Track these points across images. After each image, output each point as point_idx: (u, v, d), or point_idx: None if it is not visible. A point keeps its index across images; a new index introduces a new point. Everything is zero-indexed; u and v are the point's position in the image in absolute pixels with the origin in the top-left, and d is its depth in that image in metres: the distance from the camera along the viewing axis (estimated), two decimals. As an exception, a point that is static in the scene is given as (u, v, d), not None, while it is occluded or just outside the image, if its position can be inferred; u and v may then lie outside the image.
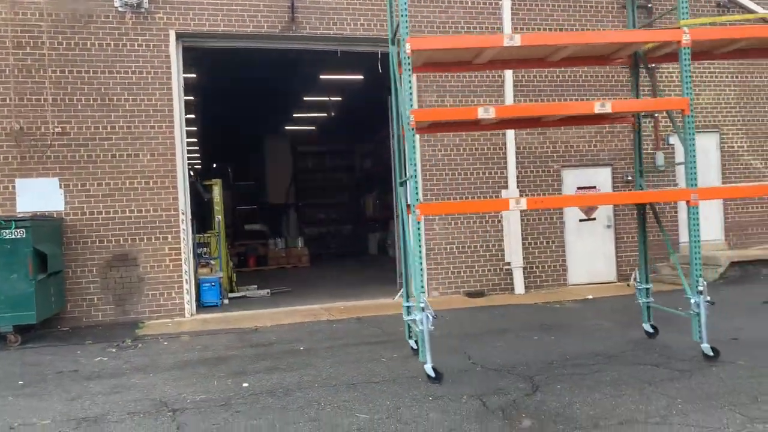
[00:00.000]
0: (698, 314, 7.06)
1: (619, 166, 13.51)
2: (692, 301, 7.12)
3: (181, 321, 10.96)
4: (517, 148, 12.80)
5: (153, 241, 11.18)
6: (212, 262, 13.40)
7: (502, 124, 9.34)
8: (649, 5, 13.65)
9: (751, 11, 13.98)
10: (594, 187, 13.28)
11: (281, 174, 29.79)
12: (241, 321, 10.79)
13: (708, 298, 7.05)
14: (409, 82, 6.78)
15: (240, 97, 20.57)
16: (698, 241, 7.13)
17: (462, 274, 12.55)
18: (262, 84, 20.01)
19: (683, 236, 13.78)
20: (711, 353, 6.88)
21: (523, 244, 12.76)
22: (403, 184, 7.77)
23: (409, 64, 6.72)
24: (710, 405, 5.45)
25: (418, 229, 6.79)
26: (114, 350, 8.80)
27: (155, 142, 11.23)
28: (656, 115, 13.65)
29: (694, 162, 7.10)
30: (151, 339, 9.47)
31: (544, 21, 13.08)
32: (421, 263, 7.02)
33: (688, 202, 7.17)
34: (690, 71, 7.09)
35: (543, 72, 12.93)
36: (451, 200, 12.43)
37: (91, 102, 10.98)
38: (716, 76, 14.07)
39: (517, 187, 12.72)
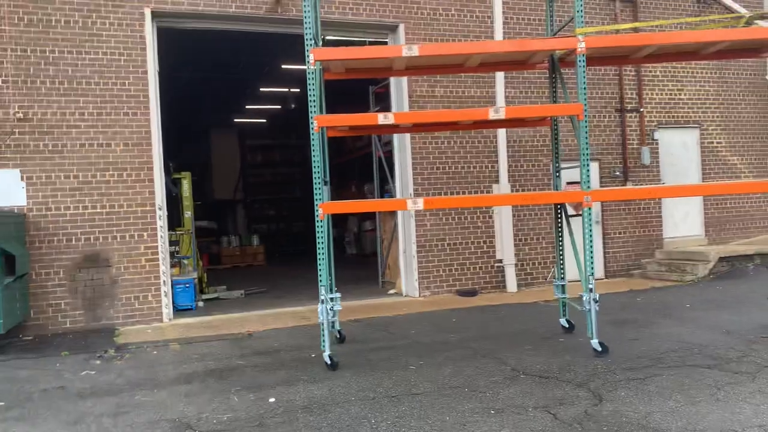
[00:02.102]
0: (589, 311, 7.25)
1: (606, 161, 13.34)
2: (584, 298, 7.30)
3: (161, 327, 10.01)
4: (509, 141, 12.41)
5: (127, 239, 10.17)
6: (185, 261, 12.42)
7: (417, 127, 9.77)
8: (634, -1, 13.54)
9: (731, 9, 14.05)
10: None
11: (228, 168, 28.63)
12: (228, 326, 9.94)
13: (596, 297, 7.23)
14: (320, 88, 7.37)
15: (189, 84, 19.31)
16: (591, 240, 7.36)
17: (453, 271, 12.07)
18: (218, 72, 18.98)
19: (667, 232, 13.82)
20: (599, 348, 7.10)
21: (514, 240, 12.39)
22: (327, 183, 7.98)
23: (313, 72, 7.08)
24: (797, 411, 5.13)
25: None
26: (98, 362, 7.84)
27: (129, 130, 10.21)
28: (641, 110, 13.57)
29: (587, 164, 7.25)
30: (135, 348, 8.52)
31: (533, 11, 12.73)
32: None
33: (581, 203, 7.44)
34: (585, 77, 7.27)
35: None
36: (443, 195, 11.93)
37: (57, 85, 9.88)
38: (698, 72, 14.11)
39: (509, 181, 12.33)
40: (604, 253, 13.28)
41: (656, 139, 13.67)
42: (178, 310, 11.24)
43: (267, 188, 29.69)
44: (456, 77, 12.02)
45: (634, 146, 13.52)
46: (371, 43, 12.29)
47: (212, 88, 20.59)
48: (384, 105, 12.89)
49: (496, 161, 12.36)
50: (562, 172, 8.34)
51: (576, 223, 13.01)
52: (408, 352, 7.71)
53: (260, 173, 29.94)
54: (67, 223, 9.89)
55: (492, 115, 7.47)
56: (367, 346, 8.18)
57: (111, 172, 10.10)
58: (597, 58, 8.59)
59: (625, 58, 8.73)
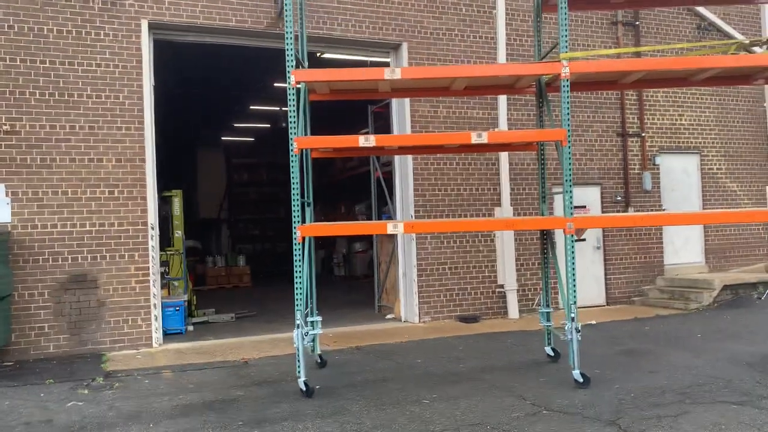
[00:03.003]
0: (571, 340, 7.04)
1: (608, 186, 13.12)
2: (566, 327, 7.09)
3: (150, 352, 9.49)
4: (511, 164, 12.13)
5: (117, 259, 9.67)
6: (175, 283, 11.90)
7: (402, 150, 9.75)
8: (636, 23, 13.43)
9: (728, 35, 14.03)
10: (584, 207, 12.80)
11: (214, 187, 28.14)
12: (222, 352, 9.46)
13: (578, 326, 7.01)
14: (304, 110, 7.49)
15: (176, 99, 18.86)
16: (573, 268, 7.16)
17: (454, 296, 11.70)
18: (207, 89, 18.57)
19: (668, 258, 13.60)
20: (581, 380, 6.89)
21: (516, 265, 12.06)
22: (309, 204, 8.10)
23: (294, 93, 7.06)
24: None
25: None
26: (86, 392, 7.31)
27: (122, 145, 9.77)
28: (643, 134, 13.40)
29: (570, 190, 7.16)
30: (125, 376, 8.01)
31: (536, 33, 12.54)
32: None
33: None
34: (569, 102, 7.15)
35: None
36: (443, 219, 11.61)
37: (47, 97, 9.42)
38: (698, 98, 14.01)
39: (511, 204, 12.04)
40: (606, 279, 13.00)
41: (657, 164, 13.49)
42: (167, 334, 10.70)
43: (252, 207, 29.20)
44: (458, 98, 11.75)
45: (636, 171, 13.33)
46: (373, 63, 12.04)
47: (201, 104, 20.17)
48: (384, 124, 12.58)
49: (498, 184, 12.07)
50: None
51: (578, 249, 12.80)
52: (418, 383, 7.30)
53: (246, 192, 29.46)
54: (54, 242, 9.38)
55: (474, 139, 7.33)
56: (373, 376, 7.75)
57: (102, 189, 9.63)
58: (584, 83, 8.50)
59: (613, 84, 8.56)
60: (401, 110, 11.66)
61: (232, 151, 28.27)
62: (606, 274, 13.00)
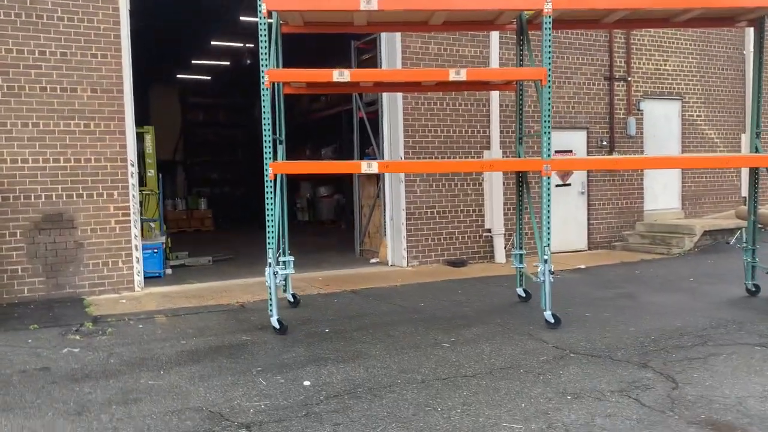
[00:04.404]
0: (544, 282, 7.04)
1: (594, 130, 12.99)
2: (539, 269, 7.06)
3: (135, 296, 8.98)
4: (501, 106, 11.83)
5: (95, 198, 9.02)
6: (152, 224, 11.29)
7: (378, 87, 9.33)
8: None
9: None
10: (570, 151, 12.67)
11: (168, 127, 26.93)
12: (212, 295, 9.03)
13: (551, 268, 7.01)
14: (277, 42, 7.20)
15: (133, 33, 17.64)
16: (549, 211, 7.09)
17: (442, 241, 11.49)
18: (168, 22, 17.41)
19: (648, 204, 13.68)
20: (552, 320, 6.91)
21: (504, 209, 11.89)
22: (282, 142, 7.85)
23: (264, 23, 6.66)
24: None
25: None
26: (78, 337, 6.82)
27: (98, 74, 8.99)
28: (629, 79, 13.26)
29: (549, 132, 6.97)
30: (116, 321, 7.52)
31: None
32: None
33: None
34: (551, 40, 6.90)
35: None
36: (434, 159, 11.28)
37: (13, 18, 8.54)
38: (681, 43, 13.90)
39: (501, 147, 11.79)
40: (588, 224, 13.01)
41: (641, 110, 13.42)
42: (146, 278, 10.15)
43: (209, 150, 28.14)
44: (450, 35, 11.29)
45: (621, 116, 13.23)
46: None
47: (156, 38, 18.94)
48: (371, 61, 12.03)
49: (488, 126, 11.78)
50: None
51: (560, 194, 12.74)
52: (429, 327, 7.08)
53: (203, 133, 28.33)
54: (25, 178, 8.66)
55: (453, 76, 7.08)
56: (380, 320, 7.50)
57: (77, 121, 8.89)
58: (567, 21, 8.23)
59: (596, 22, 8.36)
60: (392, 46, 11.13)
61: (189, 89, 27.02)
62: (589, 219, 13.00)
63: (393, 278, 10.15)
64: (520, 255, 8.26)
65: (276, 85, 7.84)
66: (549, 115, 6.98)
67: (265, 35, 6.71)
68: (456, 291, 9.13)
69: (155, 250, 10.62)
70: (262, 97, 6.61)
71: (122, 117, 9.13)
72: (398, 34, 10.91)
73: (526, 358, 5.90)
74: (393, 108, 11.24)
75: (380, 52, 11.45)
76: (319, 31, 8.29)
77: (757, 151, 8.27)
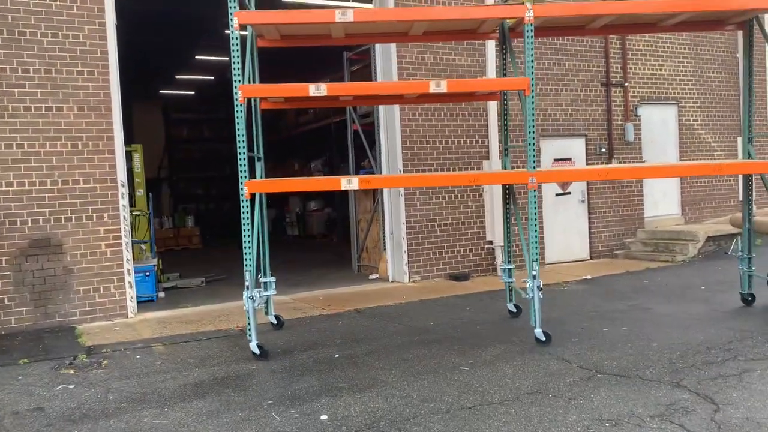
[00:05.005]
0: (533, 298, 6.78)
1: (592, 137, 12.79)
2: (527, 285, 6.82)
3: (128, 323, 8.56)
4: (499, 114, 11.52)
5: (84, 221, 8.61)
6: (143, 246, 10.87)
7: (358, 100, 9.27)
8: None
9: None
10: (569, 159, 12.46)
11: (152, 143, 26.46)
12: (210, 320, 8.63)
13: (540, 284, 6.74)
14: (252, 57, 7.04)
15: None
16: (536, 224, 6.92)
17: (443, 254, 11.18)
18: (151, 36, 17.02)
19: (648, 211, 13.49)
20: (543, 338, 6.68)
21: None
22: (260, 159, 7.66)
23: (236, 38, 6.41)
24: None
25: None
26: (72, 371, 6.41)
27: (84, 92, 8.60)
28: (626, 84, 13.09)
29: (533, 143, 6.80)
30: (111, 351, 7.11)
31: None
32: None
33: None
34: (533, 48, 6.75)
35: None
36: (432, 171, 11.00)
37: (-6, 35, 8.15)
38: (676, 48, 13.78)
39: (500, 157, 11.50)
40: (590, 233, 12.77)
41: (639, 115, 13.25)
42: (139, 302, 9.73)
43: (194, 166, 27.70)
44: (446, 44, 11.04)
45: (619, 122, 13.04)
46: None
47: (140, 53, 18.52)
48: (365, 71, 11.74)
49: (487, 136, 11.53)
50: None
51: (560, 203, 12.48)
52: (443, 348, 6.75)
53: (187, 149, 27.89)
54: (10, 202, 8.23)
55: (433, 88, 6.83)
56: (390, 342, 7.15)
57: (63, 141, 8.49)
58: (550, 28, 8.07)
59: (580, 29, 8.18)
60: (386, 56, 10.85)
61: (172, 105, 26.62)
62: (590, 228, 12.77)
63: (396, 295, 9.81)
64: (509, 269, 8.03)
65: (253, 101, 7.59)
66: (533, 126, 6.76)
67: (237, 50, 6.47)
68: (464, 308, 8.82)
69: (147, 273, 10.20)
70: (236, 114, 6.44)
71: (111, 136, 8.74)
72: (393, 45, 10.63)
73: (552, 380, 5.59)
74: (390, 119, 10.95)
75: (375, 63, 11.18)
76: (296, 45, 8.02)
77: (750, 156, 8.03)
